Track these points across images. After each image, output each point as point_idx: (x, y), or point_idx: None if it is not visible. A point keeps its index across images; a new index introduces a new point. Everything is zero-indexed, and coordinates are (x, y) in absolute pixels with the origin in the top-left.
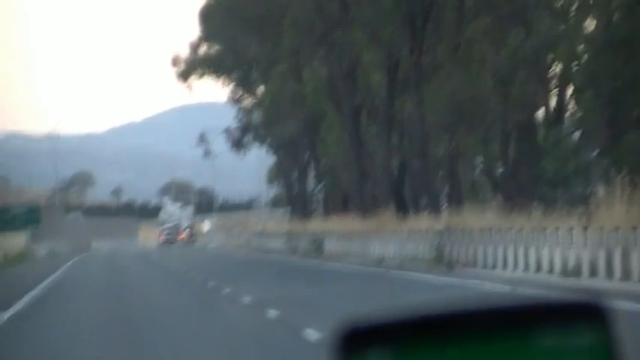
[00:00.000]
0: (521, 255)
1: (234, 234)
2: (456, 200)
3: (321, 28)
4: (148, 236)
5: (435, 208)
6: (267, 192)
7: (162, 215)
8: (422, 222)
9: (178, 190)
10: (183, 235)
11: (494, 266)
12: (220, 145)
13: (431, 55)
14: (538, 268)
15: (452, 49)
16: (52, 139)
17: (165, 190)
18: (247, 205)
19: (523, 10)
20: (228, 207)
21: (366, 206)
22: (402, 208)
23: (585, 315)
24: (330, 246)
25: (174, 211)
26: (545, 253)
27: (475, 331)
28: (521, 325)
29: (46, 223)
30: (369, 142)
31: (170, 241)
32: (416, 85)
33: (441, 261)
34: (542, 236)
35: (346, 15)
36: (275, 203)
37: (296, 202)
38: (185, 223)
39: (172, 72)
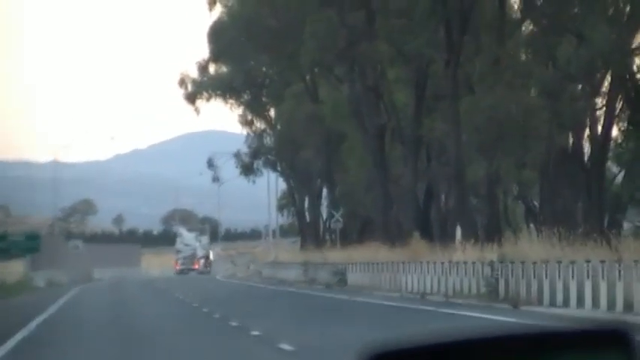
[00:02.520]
0: (590, 290)
1: (243, 263)
2: (495, 229)
3: (344, 41)
4: (152, 264)
5: (474, 237)
6: (277, 220)
7: (178, 244)
8: (465, 252)
9: (182, 219)
10: (199, 265)
11: (566, 304)
12: (227, 171)
13: (467, 68)
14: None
15: (492, 62)
16: (55, 167)
17: (169, 219)
18: (251, 235)
19: (573, 18)
20: (231, 236)
21: (391, 234)
22: (428, 237)
23: (610, 342)
24: (354, 277)
25: (190, 241)
26: (619, 289)
27: (500, 358)
28: (546, 352)
29: (46, 252)
30: (393, 165)
31: (185, 271)
32: (452, 100)
33: (495, 297)
34: (614, 269)
35: (371, 27)
36: (283, 233)
37: (308, 231)
38: (200, 253)
39: (179, 94)
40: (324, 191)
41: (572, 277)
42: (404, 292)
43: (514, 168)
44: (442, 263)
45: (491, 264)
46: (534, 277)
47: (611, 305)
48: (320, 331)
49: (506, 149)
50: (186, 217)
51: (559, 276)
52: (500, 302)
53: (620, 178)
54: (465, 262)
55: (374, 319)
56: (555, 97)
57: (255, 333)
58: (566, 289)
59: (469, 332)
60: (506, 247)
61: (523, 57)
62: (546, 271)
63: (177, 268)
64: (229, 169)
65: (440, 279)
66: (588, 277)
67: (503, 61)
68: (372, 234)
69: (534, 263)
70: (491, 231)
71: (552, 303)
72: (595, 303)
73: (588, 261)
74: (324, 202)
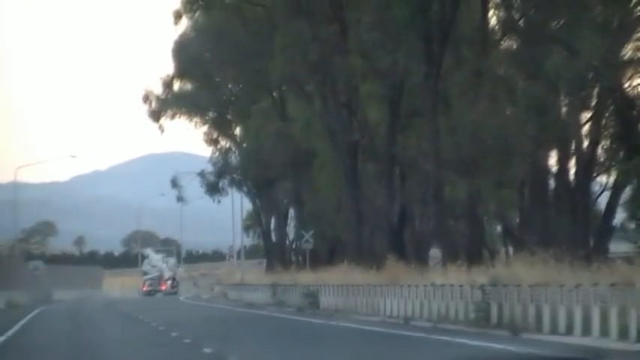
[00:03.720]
0: (597, 317)
1: (207, 285)
2: (477, 251)
3: (316, 55)
4: (113, 285)
5: (454, 259)
6: (242, 241)
7: (145, 266)
8: (448, 275)
9: (143, 240)
10: (166, 286)
11: (569, 332)
12: (190, 192)
13: (447, 82)
14: (621, 335)
15: (473, 75)
16: (15, 188)
17: (129, 240)
18: (213, 257)
19: (560, 30)
20: (193, 258)
21: (364, 256)
22: (402, 259)
23: None
24: (327, 300)
25: (157, 262)
26: (632, 316)
27: None
28: None
29: (5, 273)
30: (365, 185)
31: (153, 292)
32: (431, 115)
33: (486, 323)
34: (627, 295)
35: (344, 40)
36: (248, 254)
37: (274, 252)
38: (167, 274)
39: (142, 113)
40: (291, 212)
41: (577, 302)
42: (383, 316)
43: (492, 187)
44: (425, 286)
45: (481, 287)
46: (531, 301)
47: (623, 334)
48: (299, 358)
49: (488, 167)
50: (147, 239)
51: (561, 301)
52: (493, 328)
53: (603, 197)
54: (452, 285)
55: (363, 347)
56: (541, 112)
57: None
58: (569, 316)
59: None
60: (496, 269)
61: (505, 70)
62: (546, 296)
63: (145, 289)
64: (193, 190)
65: (423, 303)
66: (596, 302)
67: (486, 74)
68: (342, 255)
69: (531, 287)
70: (473, 253)
71: (554, 330)
72: (603, 331)
73: (595, 284)
74: (291, 223)
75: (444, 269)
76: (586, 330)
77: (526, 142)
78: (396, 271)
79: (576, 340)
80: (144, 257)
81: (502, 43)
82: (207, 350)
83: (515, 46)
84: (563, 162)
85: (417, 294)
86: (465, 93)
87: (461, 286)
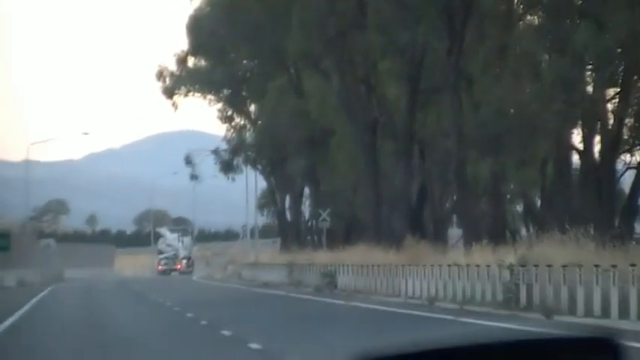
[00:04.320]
0: (636, 299)
1: (219, 264)
2: (500, 230)
3: (333, 30)
4: (125, 264)
5: (477, 239)
6: (256, 220)
7: (160, 245)
8: (472, 255)
9: (156, 219)
10: (181, 265)
11: (605, 314)
12: (204, 170)
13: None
14: None
15: (497, 50)
16: (27, 166)
17: (142, 219)
18: (225, 236)
19: (587, 3)
20: (205, 237)
21: (382, 235)
22: (421, 239)
23: (599, 350)
24: (345, 280)
25: (172, 241)
26: None
27: None
28: (536, 359)
29: (17, 251)
30: (383, 163)
31: (168, 271)
32: (454, 92)
33: (514, 305)
34: None
35: (362, 15)
36: (261, 233)
37: (289, 231)
38: (182, 253)
39: (155, 92)
40: (306, 190)
41: (614, 283)
42: (404, 297)
43: (514, 166)
44: (449, 266)
45: (510, 268)
46: (564, 283)
47: None
48: (329, 342)
49: (511, 144)
50: (159, 218)
51: (596, 282)
52: (523, 311)
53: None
54: (478, 266)
55: (389, 329)
56: (566, 88)
57: (255, 346)
58: (605, 298)
59: (460, 339)
60: (525, 249)
61: (530, 45)
62: (580, 277)
63: (160, 268)
64: (206, 168)
65: (446, 283)
66: (634, 283)
67: (510, 49)
68: (359, 235)
69: (564, 267)
70: (496, 233)
71: (588, 313)
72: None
73: (633, 265)
74: (306, 202)
75: (466, 249)
76: (623, 312)
77: (552, 119)
78: (417, 251)
79: (613, 322)
80: (159, 236)
81: (526, 17)
82: (225, 332)
83: (540, 20)
84: (588, 139)
85: (440, 274)
86: (489, 69)
87: (488, 266)
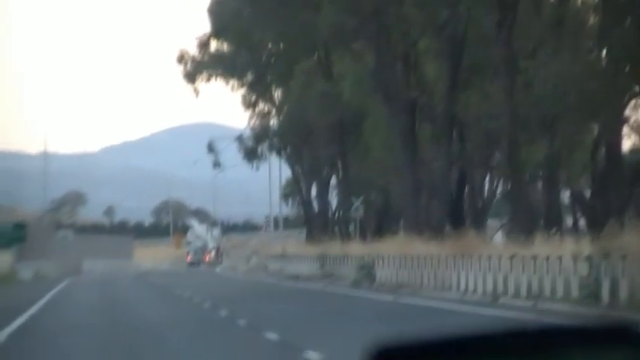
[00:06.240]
0: None
1: (241, 256)
2: (556, 218)
3: (370, 5)
4: (144, 256)
5: (530, 229)
6: (280, 210)
7: (189, 236)
8: (535, 245)
9: (174, 211)
10: (209, 257)
11: None
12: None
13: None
14: None
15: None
16: (45, 159)
17: (160, 211)
18: (244, 227)
19: None
20: (225, 228)
21: (420, 225)
22: (461, 228)
23: (616, 339)
24: (384, 273)
25: (201, 233)
26: None
27: (504, 354)
28: (552, 349)
29: (34, 242)
30: (420, 148)
31: (196, 262)
32: (507, 67)
33: (595, 302)
34: None
35: None
36: (283, 224)
37: (315, 222)
38: (211, 245)
39: (173, 83)
40: (334, 179)
41: None
42: (457, 292)
43: (564, 150)
44: (510, 258)
45: (589, 260)
46: None
47: None
48: None
49: (567, 125)
50: (177, 209)
51: None
52: (606, 309)
53: None
54: (548, 258)
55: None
56: (631, 61)
57: (314, 356)
58: None
59: (475, 329)
60: (607, 239)
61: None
62: None
63: (189, 259)
64: (226, 159)
65: (507, 277)
66: None
67: (567, 20)
68: (391, 225)
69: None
70: (551, 221)
71: None
72: None
73: None
74: (333, 191)
75: (525, 239)
76: None
77: (615, 95)
78: (464, 242)
79: None
80: (188, 228)
81: None
82: (270, 336)
83: None
84: None
85: (499, 267)
86: (544, 43)
87: (560, 257)
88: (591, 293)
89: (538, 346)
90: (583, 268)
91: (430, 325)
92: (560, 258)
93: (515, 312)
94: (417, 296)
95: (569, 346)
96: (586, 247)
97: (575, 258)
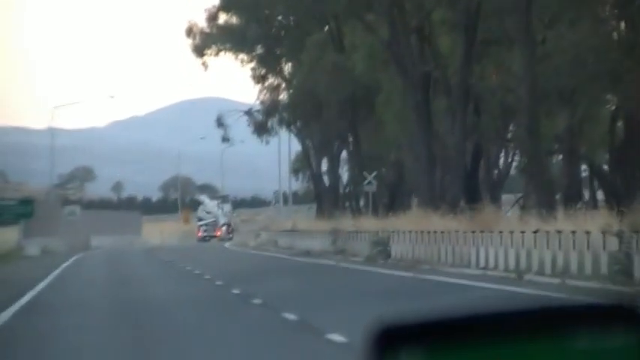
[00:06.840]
0: None
1: (250, 232)
2: (576, 192)
3: None
4: (152, 232)
5: (550, 203)
6: (290, 185)
7: (200, 212)
8: (558, 220)
9: (182, 186)
10: (221, 232)
11: None
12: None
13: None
14: None
15: None
16: (52, 134)
17: (168, 186)
18: (252, 202)
19: None
20: (233, 204)
21: (435, 200)
22: (476, 203)
23: (620, 318)
24: (399, 249)
25: (212, 208)
26: None
27: (507, 333)
28: (555, 327)
29: (41, 218)
30: (434, 121)
31: (207, 238)
32: (526, 37)
33: (625, 279)
34: None
35: None
36: (292, 199)
37: (326, 197)
38: (222, 220)
39: (179, 58)
40: (344, 153)
41: None
42: (477, 268)
43: (582, 123)
44: (534, 233)
45: (619, 235)
46: None
47: None
48: None
49: (586, 97)
50: (185, 185)
51: None
52: (638, 285)
53: None
54: (574, 232)
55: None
56: None
57: (337, 338)
58: None
59: (474, 307)
60: (637, 212)
61: None
62: None
63: (200, 235)
64: (234, 133)
65: (531, 253)
66: None
67: None
68: (404, 199)
69: None
70: (572, 195)
71: None
72: None
73: None
74: (344, 166)
75: (543, 214)
76: None
77: (634, 66)
78: (484, 216)
79: None
80: (199, 204)
81: None
82: (289, 316)
83: None
84: None
85: (522, 242)
86: (563, 13)
87: (587, 232)
88: (622, 270)
89: (538, 324)
90: (612, 244)
91: (458, 302)
92: (587, 233)
93: (543, 289)
94: (435, 273)
95: (570, 324)
96: (614, 221)
97: (604, 233)
